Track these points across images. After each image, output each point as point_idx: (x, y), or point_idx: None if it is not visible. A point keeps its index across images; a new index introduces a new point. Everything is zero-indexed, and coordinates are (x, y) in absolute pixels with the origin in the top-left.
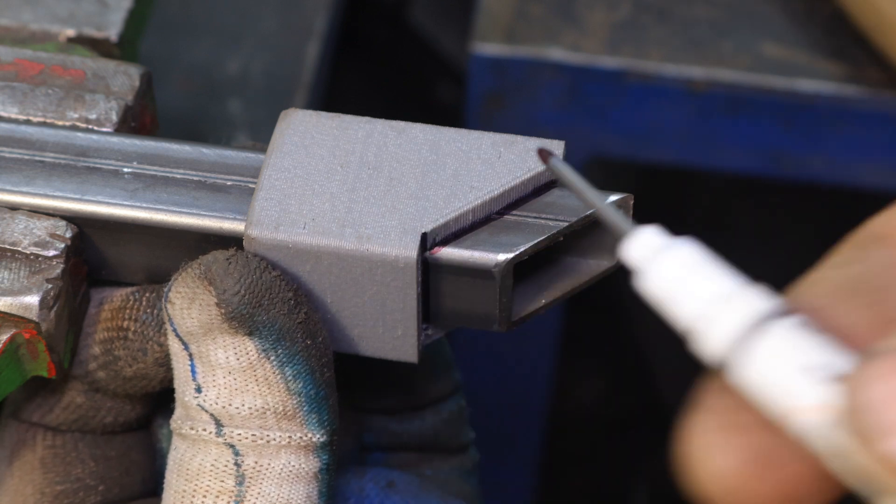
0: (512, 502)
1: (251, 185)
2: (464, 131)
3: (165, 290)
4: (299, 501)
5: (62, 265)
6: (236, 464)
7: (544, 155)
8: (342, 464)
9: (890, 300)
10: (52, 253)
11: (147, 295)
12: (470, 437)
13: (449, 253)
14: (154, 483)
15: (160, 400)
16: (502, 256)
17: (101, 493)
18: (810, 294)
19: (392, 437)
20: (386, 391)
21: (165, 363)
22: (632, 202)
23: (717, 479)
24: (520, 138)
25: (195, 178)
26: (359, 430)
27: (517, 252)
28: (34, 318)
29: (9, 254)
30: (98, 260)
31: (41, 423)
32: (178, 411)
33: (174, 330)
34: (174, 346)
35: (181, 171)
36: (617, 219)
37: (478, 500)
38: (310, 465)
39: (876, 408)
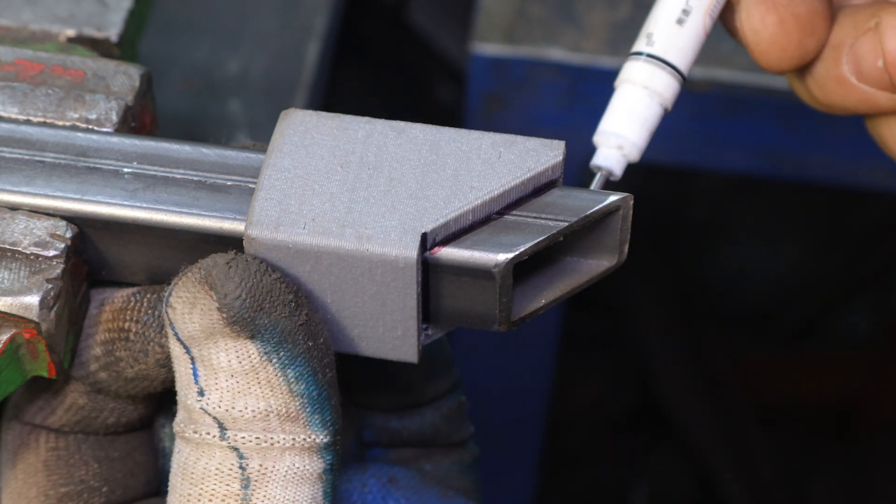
0: (512, 502)
1: (251, 185)
2: (464, 131)
3: (166, 293)
4: (305, 503)
5: (62, 265)
6: (241, 467)
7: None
8: (343, 461)
9: None
10: (52, 253)
11: (148, 296)
12: (469, 431)
13: (449, 253)
14: (158, 483)
15: (162, 399)
16: (502, 256)
17: (105, 494)
18: None
19: (392, 433)
20: (385, 389)
21: (167, 364)
22: (632, 202)
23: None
24: (520, 138)
25: (195, 178)
26: (359, 426)
27: (517, 252)
28: (34, 318)
29: (9, 254)
30: (98, 260)
31: (44, 425)
32: (181, 414)
33: (175, 334)
34: (176, 349)
35: (181, 171)
36: None
37: (478, 494)
38: (314, 466)
39: None
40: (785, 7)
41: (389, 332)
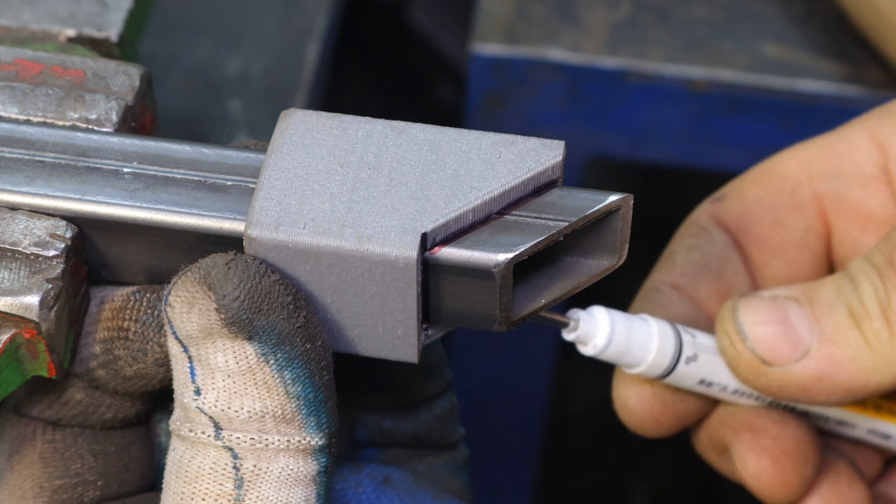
0: (512, 502)
1: (251, 185)
2: (464, 131)
3: (165, 292)
4: None
5: (62, 265)
6: (235, 467)
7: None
8: (337, 461)
9: (727, 275)
10: (52, 253)
11: (148, 296)
12: (461, 433)
13: (449, 253)
14: (153, 478)
15: (160, 395)
16: (502, 256)
17: (100, 487)
18: (674, 274)
19: (385, 433)
20: (380, 389)
21: (165, 363)
22: (632, 202)
23: (634, 413)
24: (520, 138)
25: (195, 178)
26: (352, 426)
27: (517, 252)
28: (34, 318)
29: (9, 254)
30: (98, 260)
31: (41, 418)
32: (178, 412)
33: (174, 333)
34: (174, 348)
35: (181, 171)
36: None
37: (469, 496)
38: (308, 468)
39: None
40: (774, 446)
41: (389, 332)
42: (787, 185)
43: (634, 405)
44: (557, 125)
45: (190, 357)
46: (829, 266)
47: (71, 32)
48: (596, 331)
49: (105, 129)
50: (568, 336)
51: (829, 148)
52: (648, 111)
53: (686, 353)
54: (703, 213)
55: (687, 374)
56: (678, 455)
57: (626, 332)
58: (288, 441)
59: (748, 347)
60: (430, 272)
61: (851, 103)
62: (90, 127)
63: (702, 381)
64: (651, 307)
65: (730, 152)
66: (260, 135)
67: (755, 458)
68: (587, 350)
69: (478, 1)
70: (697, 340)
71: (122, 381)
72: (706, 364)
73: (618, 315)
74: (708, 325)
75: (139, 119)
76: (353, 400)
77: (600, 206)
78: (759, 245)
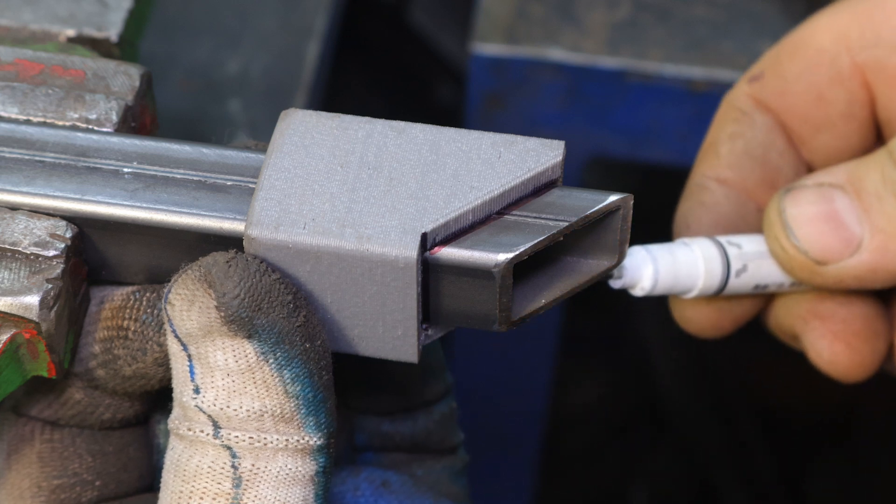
0: (512, 502)
1: (251, 185)
2: (464, 131)
3: (165, 291)
4: None
5: (62, 265)
6: (233, 466)
7: None
8: (336, 464)
9: (772, 160)
10: (52, 253)
11: (147, 295)
12: (460, 437)
13: (449, 253)
14: (151, 479)
15: (159, 396)
16: (502, 256)
17: (98, 488)
18: (719, 166)
19: (384, 437)
20: (379, 392)
21: (165, 363)
22: (632, 202)
23: (693, 323)
24: (520, 138)
25: (195, 178)
26: (351, 430)
27: (517, 252)
28: (34, 318)
29: (9, 254)
30: (98, 260)
31: (40, 418)
32: (176, 411)
33: (173, 331)
34: (173, 346)
35: (181, 171)
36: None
37: (467, 501)
38: (307, 467)
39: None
40: (844, 330)
41: (389, 332)
42: (825, 58)
43: (692, 316)
44: (557, 125)
45: (189, 355)
46: (876, 132)
47: (71, 32)
48: (640, 272)
49: (105, 129)
50: (615, 284)
51: (864, 14)
52: (648, 111)
53: (735, 266)
54: (741, 94)
55: (740, 285)
56: (678, 455)
57: (671, 264)
58: (286, 440)
59: (800, 251)
60: (430, 272)
61: None
62: (90, 127)
63: (757, 286)
64: (698, 209)
65: None
66: (260, 135)
67: (828, 345)
68: (636, 292)
69: (478, 1)
70: (744, 251)
71: (122, 380)
72: (758, 270)
73: (658, 250)
74: (757, 216)
75: (139, 119)
76: (352, 403)
77: (600, 206)
78: (804, 122)
